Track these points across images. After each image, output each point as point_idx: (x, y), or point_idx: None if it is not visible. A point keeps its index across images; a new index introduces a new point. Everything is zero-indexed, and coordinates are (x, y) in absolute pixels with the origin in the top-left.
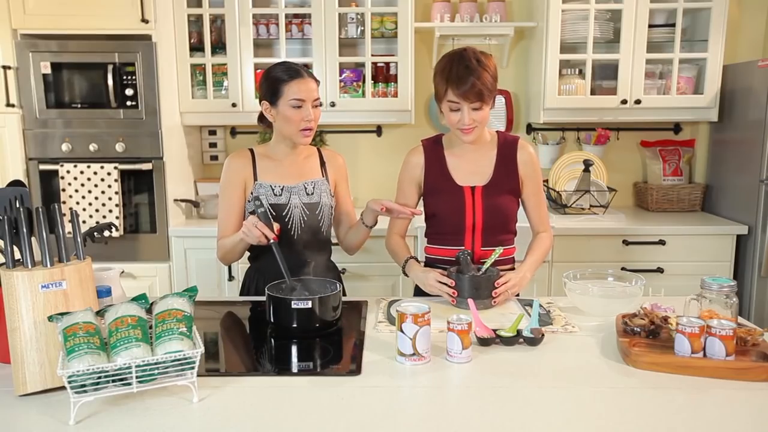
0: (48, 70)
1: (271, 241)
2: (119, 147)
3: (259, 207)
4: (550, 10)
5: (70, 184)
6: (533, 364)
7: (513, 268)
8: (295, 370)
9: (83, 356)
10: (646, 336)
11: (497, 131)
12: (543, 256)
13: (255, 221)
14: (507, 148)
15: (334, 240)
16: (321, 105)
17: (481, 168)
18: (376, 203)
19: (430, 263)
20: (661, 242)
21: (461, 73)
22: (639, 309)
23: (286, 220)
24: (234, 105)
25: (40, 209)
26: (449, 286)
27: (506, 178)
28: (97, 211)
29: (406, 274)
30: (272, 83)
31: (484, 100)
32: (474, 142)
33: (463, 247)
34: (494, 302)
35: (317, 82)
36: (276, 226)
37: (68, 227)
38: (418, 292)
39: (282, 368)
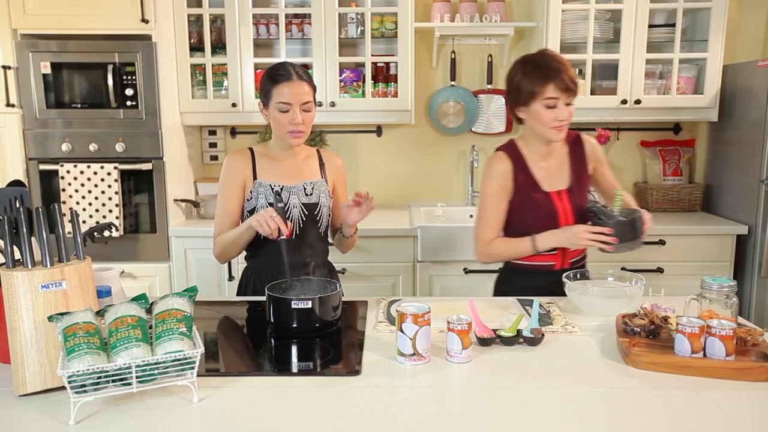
0: (48, 70)
1: (282, 237)
2: (119, 147)
3: (278, 202)
4: (550, 10)
5: (70, 184)
6: (533, 364)
7: (585, 256)
8: (294, 370)
9: (83, 356)
10: (646, 336)
11: None
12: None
13: (273, 214)
14: (575, 145)
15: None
16: (320, 105)
17: (559, 170)
18: (349, 209)
19: (519, 270)
20: (661, 242)
21: (557, 68)
22: (639, 309)
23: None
24: (234, 105)
25: (40, 209)
26: (607, 234)
27: (583, 175)
28: (97, 211)
29: (538, 253)
30: (264, 84)
31: (576, 94)
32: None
33: (554, 255)
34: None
35: (312, 85)
36: (289, 224)
37: (68, 227)
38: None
39: (282, 368)
